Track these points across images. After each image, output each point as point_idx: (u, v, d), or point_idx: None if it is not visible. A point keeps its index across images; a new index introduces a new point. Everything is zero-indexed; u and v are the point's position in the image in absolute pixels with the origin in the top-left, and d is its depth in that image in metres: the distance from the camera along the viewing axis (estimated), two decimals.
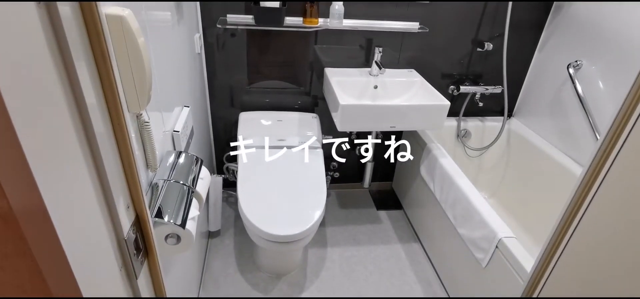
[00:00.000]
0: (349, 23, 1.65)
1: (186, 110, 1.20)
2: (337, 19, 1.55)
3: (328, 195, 2.15)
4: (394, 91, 1.71)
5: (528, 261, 1.07)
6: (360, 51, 1.77)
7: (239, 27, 1.61)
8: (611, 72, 1.47)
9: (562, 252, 0.84)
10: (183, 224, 0.81)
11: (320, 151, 1.62)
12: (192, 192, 0.91)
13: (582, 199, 0.77)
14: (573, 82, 1.61)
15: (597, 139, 1.51)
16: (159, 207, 0.85)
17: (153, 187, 0.89)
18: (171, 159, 0.97)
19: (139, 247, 0.57)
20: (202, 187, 0.96)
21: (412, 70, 1.82)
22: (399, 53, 1.80)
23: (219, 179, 1.78)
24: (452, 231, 1.46)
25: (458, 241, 1.42)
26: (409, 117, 1.50)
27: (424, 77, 1.74)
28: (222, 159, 1.98)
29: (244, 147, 1.60)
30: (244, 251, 1.76)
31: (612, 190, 0.72)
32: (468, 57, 1.86)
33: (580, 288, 0.80)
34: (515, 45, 1.85)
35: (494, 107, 2.02)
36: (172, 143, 1.06)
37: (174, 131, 1.07)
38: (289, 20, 1.60)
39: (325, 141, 1.87)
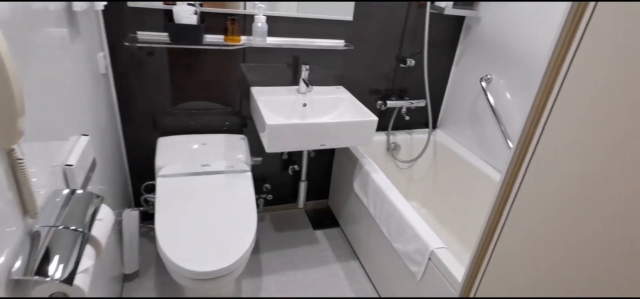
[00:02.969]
0: (274, 41, 1.60)
1: (84, 139, 1.03)
2: (260, 36, 1.49)
3: (262, 219, 2.05)
4: (323, 108, 1.69)
5: (459, 270, 1.08)
6: (288, 69, 1.73)
7: (152, 45, 1.47)
8: (516, 84, 1.61)
9: (490, 258, 0.85)
10: (70, 280, 0.66)
11: (249, 174, 1.53)
12: (86, 238, 0.76)
13: (502, 206, 0.79)
14: (485, 95, 1.74)
15: (509, 146, 1.64)
16: (40, 262, 0.69)
17: (33, 236, 0.72)
18: (60, 199, 0.81)
19: None
20: (100, 230, 0.81)
21: (340, 86, 1.82)
22: (326, 70, 1.79)
23: (135, 213, 1.58)
24: (388, 246, 1.45)
25: (394, 255, 1.42)
26: (339, 134, 1.48)
27: (352, 93, 1.75)
28: (141, 189, 1.78)
29: (162, 175, 1.44)
30: (167, 292, 1.58)
31: (529, 194, 0.74)
32: (393, 73, 1.93)
33: (509, 291, 0.81)
34: (435, 61, 1.95)
35: (419, 120, 2.11)
36: (64, 179, 0.90)
37: (66, 164, 0.90)
38: (210, 38, 1.50)
39: (255, 163, 1.78)
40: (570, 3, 0.61)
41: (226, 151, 1.61)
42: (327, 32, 1.69)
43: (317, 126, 1.43)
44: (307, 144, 1.47)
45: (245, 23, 1.55)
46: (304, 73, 1.63)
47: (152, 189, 1.77)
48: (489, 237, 0.86)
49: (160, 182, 1.41)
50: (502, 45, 1.67)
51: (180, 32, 1.41)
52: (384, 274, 1.54)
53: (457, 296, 1.09)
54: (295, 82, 1.76)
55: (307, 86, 1.61)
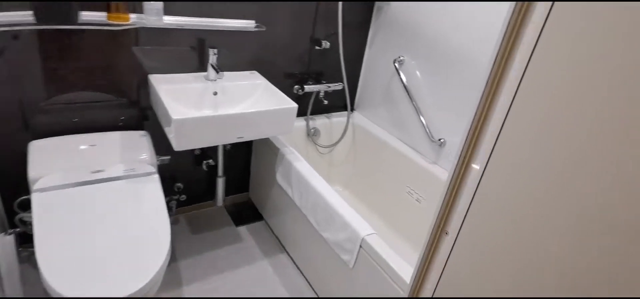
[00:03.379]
0: (173, 20, 1.39)
1: None
2: (154, 15, 1.28)
3: (175, 222, 1.84)
4: (237, 96, 1.55)
5: (391, 256, 1.09)
6: (192, 53, 1.53)
7: (14, 28, 1.15)
8: (427, 65, 1.68)
9: (448, 256, 0.83)
10: None
11: (156, 177, 1.32)
12: None
13: (451, 202, 0.78)
14: (399, 75, 1.78)
15: (423, 123, 1.73)
16: None
17: None
18: None
19: None
20: None
21: (254, 72, 1.69)
22: (237, 54, 1.64)
23: (8, 238, 1.26)
24: (317, 235, 1.41)
25: (324, 245, 1.38)
26: (257, 124, 1.36)
27: (267, 79, 1.63)
28: (14, 207, 1.43)
29: (38, 189, 1.16)
30: None
31: (484, 189, 0.73)
32: (308, 56, 1.86)
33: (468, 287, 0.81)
34: (349, 43, 1.93)
35: (337, 103, 2.09)
36: None
37: None
38: (88, 16, 1.23)
39: (162, 163, 1.56)
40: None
41: (124, 152, 1.37)
42: (236, 12, 1.54)
43: (232, 118, 1.29)
44: (223, 138, 1.32)
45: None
46: (212, 58, 1.46)
47: (27, 205, 1.44)
48: (437, 238, 0.84)
49: (36, 199, 1.13)
50: (411, 27, 1.71)
51: (48, 9, 1.12)
52: (315, 264, 1.50)
53: (389, 282, 1.09)
54: (202, 68, 1.57)
55: (218, 72, 1.45)
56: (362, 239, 1.15)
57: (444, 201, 0.77)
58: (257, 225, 1.92)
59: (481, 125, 0.69)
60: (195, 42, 1.52)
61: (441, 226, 0.80)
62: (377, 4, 1.89)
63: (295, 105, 1.43)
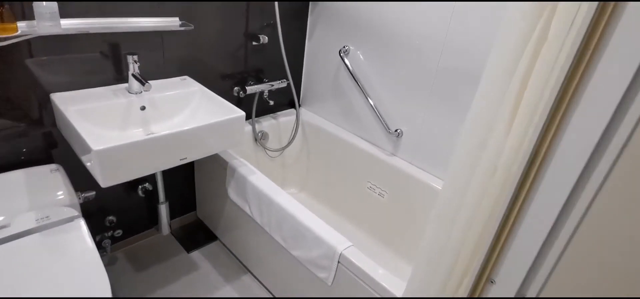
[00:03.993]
0: (74, 24, 1.13)
1: None
2: (48, 20, 1.01)
3: (113, 262, 1.57)
4: (170, 109, 1.33)
5: (372, 267, 1.00)
6: (106, 62, 1.28)
7: None
8: (374, 53, 1.61)
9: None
10: None
11: (79, 221, 1.08)
12: None
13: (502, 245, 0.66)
14: (346, 66, 1.69)
15: (377, 114, 1.65)
16: None
17: None
18: None
19: None
20: None
21: (186, 77, 1.48)
22: (163, 58, 1.41)
23: None
24: (286, 253, 1.27)
25: (295, 262, 1.25)
26: (202, 141, 1.18)
27: (201, 83, 1.43)
28: None
29: None
30: None
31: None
32: (244, 53, 1.68)
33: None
34: (287, 35, 1.79)
35: (283, 101, 1.94)
36: None
37: None
38: None
39: (86, 200, 1.29)
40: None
41: (33, 195, 1.10)
42: (156, 10, 1.31)
43: (171, 138, 1.09)
44: (162, 163, 1.12)
45: (23, 4, 1.03)
46: (133, 66, 1.22)
47: None
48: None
49: None
50: (353, 15, 1.63)
51: None
52: (287, 283, 1.37)
53: (372, 294, 1.01)
54: (122, 78, 1.32)
55: (143, 83, 1.21)
56: (340, 255, 1.05)
57: (490, 244, 0.64)
58: (211, 247, 1.72)
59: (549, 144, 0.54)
60: (108, 48, 1.26)
61: (487, 274, 0.67)
62: None
63: (242, 113, 1.27)
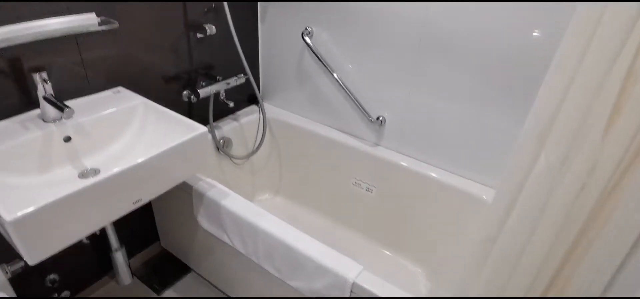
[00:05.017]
0: None
1: None
2: None
3: None
4: (105, 134, 1.06)
5: (389, 290, 0.86)
6: (6, 83, 0.98)
7: None
8: (341, 33, 1.42)
9: None
10: None
11: None
12: None
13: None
14: (311, 49, 1.49)
15: (355, 102, 1.48)
16: None
17: None
18: None
19: None
20: None
21: (120, 88, 1.20)
22: (83, 69, 1.12)
23: None
24: (281, 283, 1.09)
25: (296, 292, 1.07)
26: (158, 175, 0.94)
27: (140, 93, 1.17)
28: None
29: None
30: None
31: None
32: (188, 48, 1.41)
33: None
34: (235, 20, 1.53)
35: (240, 98, 1.70)
36: None
37: None
38: None
39: (14, 274, 1.01)
40: None
41: None
42: (64, 6, 1.01)
43: (115, 180, 0.84)
44: (107, 214, 0.87)
45: None
46: (42, 86, 0.94)
47: None
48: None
49: None
50: None
51: None
52: None
53: None
54: (31, 102, 1.02)
55: (61, 108, 0.92)
56: (353, 284, 0.89)
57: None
58: (186, 281, 1.49)
59: None
60: (6, 65, 0.96)
61: None
62: None
63: (204, 129, 1.04)
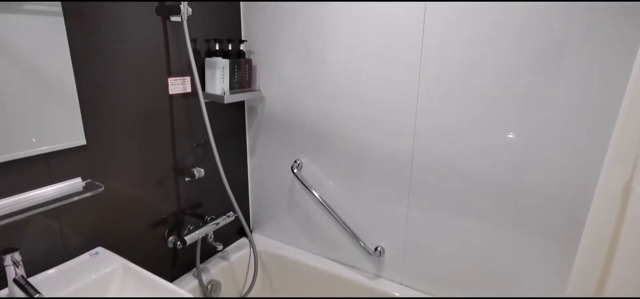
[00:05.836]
0: None
1: None
2: None
3: None
4: None
5: None
6: None
7: None
8: (332, 164, 1.39)
9: None
10: None
11: None
12: None
13: None
14: (301, 181, 1.45)
15: (351, 233, 1.34)
16: None
17: None
18: None
19: None
20: None
21: (98, 250, 1.11)
22: (60, 234, 1.04)
23: None
24: None
25: None
26: None
27: (121, 247, 1.09)
28: None
29: None
30: None
31: None
32: (176, 191, 1.35)
33: None
34: (225, 158, 1.51)
35: (228, 232, 1.61)
36: None
37: None
38: None
39: None
40: None
41: None
42: (47, 176, 0.97)
43: None
44: None
45: None
46: (12, 269, 0.85)
47: None
48: None
49: None
50: (298, 124, 1.42)
51: None
52: None
53: None
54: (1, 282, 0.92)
55: (31, 295, 0.83)
56: None
57: None
58: None
59: None
60: None
61: None
62: (247, 102, 1.55)
63: (187, 295, 0.93)
